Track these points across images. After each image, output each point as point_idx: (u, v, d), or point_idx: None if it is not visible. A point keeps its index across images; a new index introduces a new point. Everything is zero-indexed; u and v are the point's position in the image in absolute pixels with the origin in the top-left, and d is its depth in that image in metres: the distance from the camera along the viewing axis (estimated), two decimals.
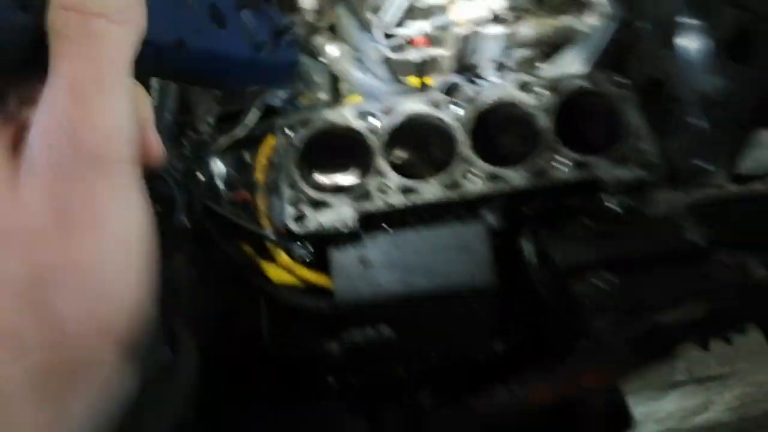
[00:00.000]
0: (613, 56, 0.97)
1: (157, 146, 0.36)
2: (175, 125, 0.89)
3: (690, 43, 0.86)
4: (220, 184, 0.88)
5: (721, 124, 0.80)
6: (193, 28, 0.39)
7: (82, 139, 0.29)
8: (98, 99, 0.30)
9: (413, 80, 1.12)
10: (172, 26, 0.37)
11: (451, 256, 0.93)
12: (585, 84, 0.95)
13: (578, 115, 0.98)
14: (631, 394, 2.02)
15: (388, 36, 0.99)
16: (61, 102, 0.30)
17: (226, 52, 0.42)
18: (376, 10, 1.00)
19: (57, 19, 0.30)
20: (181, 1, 0.38)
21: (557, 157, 0.91)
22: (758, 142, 1.30)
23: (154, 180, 0.82)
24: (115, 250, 0.29)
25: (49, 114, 0.30)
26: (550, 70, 1.02)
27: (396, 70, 1.08)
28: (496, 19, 0.95)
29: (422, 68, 1.08)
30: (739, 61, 0.76)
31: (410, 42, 1.02)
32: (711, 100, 0.82)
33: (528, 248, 0.97)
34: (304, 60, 1.07)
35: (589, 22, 0.96)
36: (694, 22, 0.84)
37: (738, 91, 0.78)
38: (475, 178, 0.90)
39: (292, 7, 0.95)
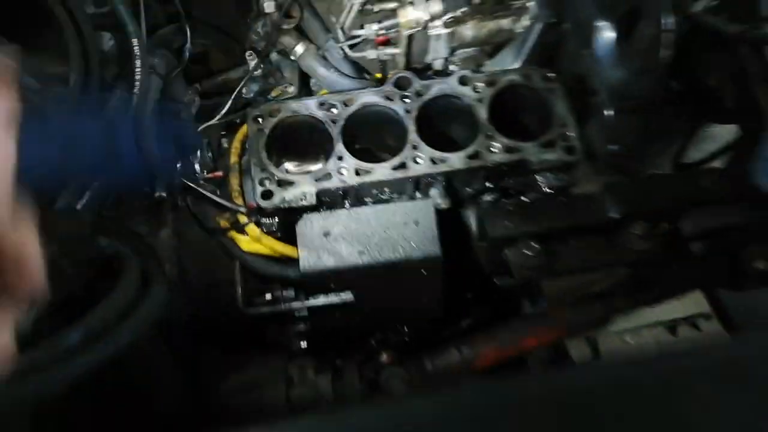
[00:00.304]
0: (543, 54, 1.11)
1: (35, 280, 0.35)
2: (159, 114, 1.02)
3: (602, 42, 1.00)
4: (197, 166, 1.01)
5: (624, 111, 0.94)
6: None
7: None
8: None
9: (377, 76, 1.25)
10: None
11: (403, 229, 1.06)
12: (517, 78, 1.09)
13: (513, 105, 1.12)
14: None
15: (347, 37, 1.12)
16: None
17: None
18: (337, 13, 1.13)
19: None
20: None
21: (492, 142, 1.05)
22: (704, 135, 1.45)
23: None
24: None
25: None
26: (490, 66, 1.16)
27: (358, 66, 1.22)
28: (443, 22, 1.08)
29: (382, 65, 1.21)
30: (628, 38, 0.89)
31: (376, 41, 1.15)
32: (616, 91, 0.96)
33: (469, 222, 1.11)
34: (275, 58, 1.20)
35: (522, 24, 1.10)
36: (605, 23, 0.98)
37: (633, 80, 0.92)
38: (421, 160, 1.03)
39: (258, 11, 1.08)
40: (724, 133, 1.45)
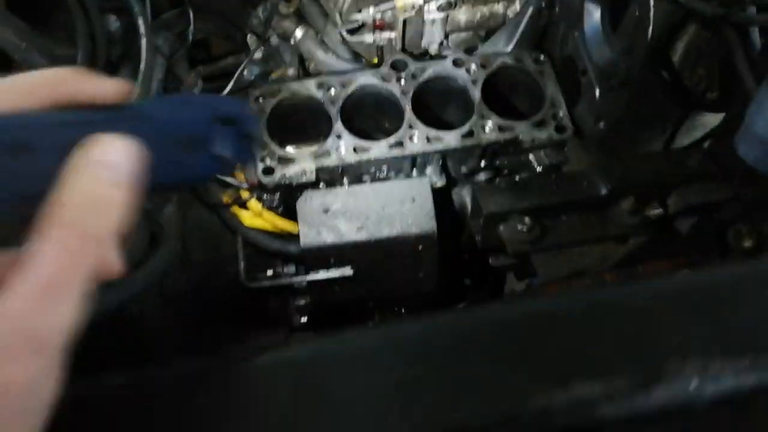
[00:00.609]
0: (534, 37, 1.15)
1: (115, 266, 0.35)
2: (163, 93, 1.06)
3: (591, 24, 1.03)
4: None
5: (611, 89, 0.98)
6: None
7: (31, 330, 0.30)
8: (61, 301, 0.31)
9: (374, 61, 1.29)
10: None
11: (400, 206, 1.10)
12: (509, 61, 1.12)
13: (505, 86, 1.16)
14: None
15: (344, 21, 1.16)
16: (23, 295, 0.30)
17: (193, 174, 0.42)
18: None
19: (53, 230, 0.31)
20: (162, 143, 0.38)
21: (485, 121, 1.08)
22: (694, 123, 1.48)
23: None
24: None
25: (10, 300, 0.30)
26: (483, 49, 1.20)
27: (356, 50, 1.25)
28: (437, 6, 1.12)
29: (379, 49, 1.25)
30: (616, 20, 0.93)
31: (373, 25, 1.18)
32: (604, 70, 1.00)
33: (464, 201, 1.15)
34: (275, 42, 1.23)
35: (514, 9, 1.14)
36: (594, 4, 1.02)
37: (621, 60, 0.96)
38: (417, 139, 1.07)
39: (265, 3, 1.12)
40: (714, 121, 1.49)
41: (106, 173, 0.33)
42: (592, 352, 0.54)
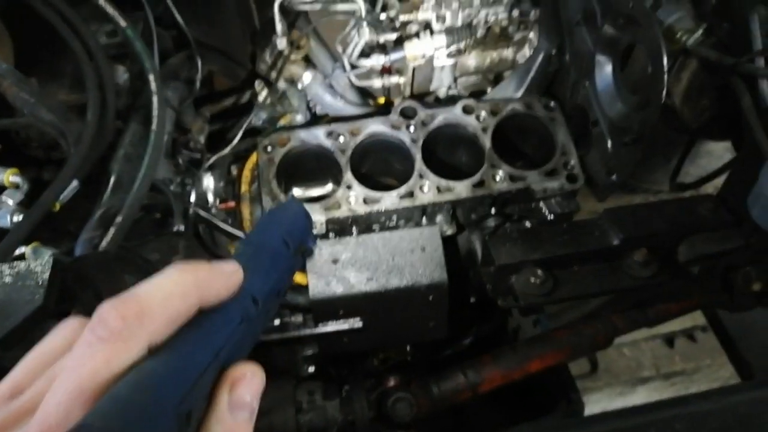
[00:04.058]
0: (544, 83, 1.14)
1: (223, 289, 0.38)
2: (172, 144, 1.04)
3: (601, 76, 1.03)
4: (210, 196, 1.03)
5: (624, 145, 0.97)
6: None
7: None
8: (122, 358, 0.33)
9: (381, 101, 1.28)
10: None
11: (410, 256, 1.08)
12: (519, 107, 1.12)
13: (516, 133, 1.15)
14: (601, 389, 2.14)
15: (353, 66, 1.15)
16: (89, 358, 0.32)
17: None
18: (344, 43, 1.16)
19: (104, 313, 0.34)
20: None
21: (496, 171, 1.07)
22: (700, 151, 1.48)
23: (153, 192, 0.96)
24: None
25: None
26: (493, 94, 1.19)
27: (363, 92, 1.25)
28: (447, 54, 1.11)
29: (387, 90, 1.24)
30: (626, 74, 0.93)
31: (382, 69, 1.18)
32: (616, 124, 0.99)
33: (474, 247, 1.14)
34: (283, 86, 1.22)
35: (523, 54, 1.13)
36: (604, 57, 1.02)
37: (633, 115, 0.96)
38: (427, 189, 1.06)
39: (273, 46, 1.11)
40: (719, 149, 1.49)
41: (242, 414, 0.37)
42: None
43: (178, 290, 0.36)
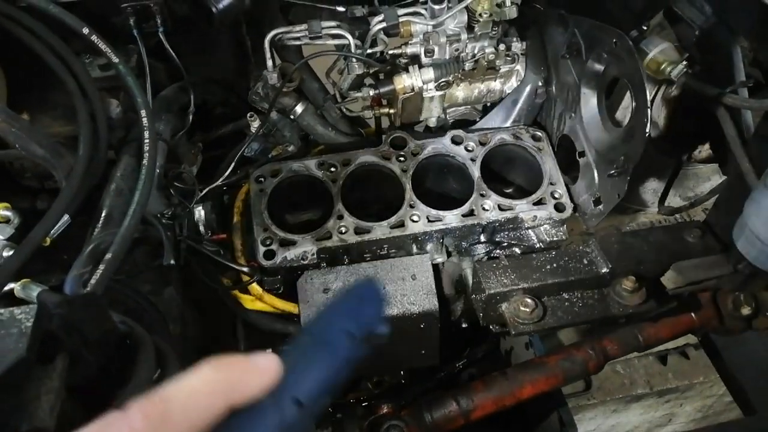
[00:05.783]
0: (531, 113, 1.16)
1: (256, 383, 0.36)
2: (165, 177, 1.05)
3: (587, 108, 1.05)
4: (202, 227, 1.04)
5: (610, 177, 0.99)
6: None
7: None
8: None
9: (370, 130, 1.30)
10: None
11: (401, 284, 1.09)
12: (507, 137, 1.14)
13: (504, 162, 1.17)
14: (595, 406, 2.13)
15: (344, 98, 1.17)
16: None
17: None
18: (335, 76, 1.18)
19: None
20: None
21: (485, 200, 1.09)
22: (687, 174, 1.50)
23: (145, 225, 0.97)
24: None
25: None
26: (482, 124, 1.21)
27: (353, 121, 1.26)
28: (435, 86, 1.13)
29: (377, 122, 1.26)
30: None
31: (371, 101, 1.19)
32: (603, 155, 1.01)
33: (463, 271, 1.14)
34: (275, 117, 1.24)
35: (511, 85, 1.15)
36: (589, 91, 1.04)
37: (619, 145, 0.97)
38: (418, 218, 1.07)
39: (264, 80, 1.13)
40: (707, 171, 1.51)
41: None
42: None
43: (206, 389, 0.34)
